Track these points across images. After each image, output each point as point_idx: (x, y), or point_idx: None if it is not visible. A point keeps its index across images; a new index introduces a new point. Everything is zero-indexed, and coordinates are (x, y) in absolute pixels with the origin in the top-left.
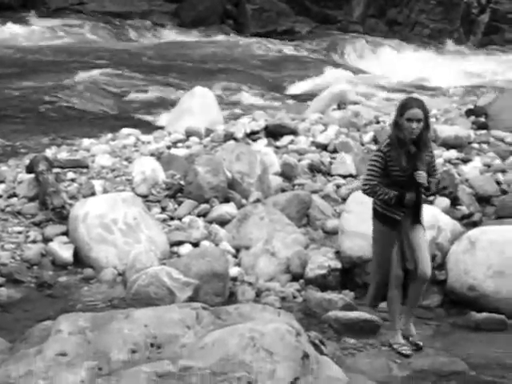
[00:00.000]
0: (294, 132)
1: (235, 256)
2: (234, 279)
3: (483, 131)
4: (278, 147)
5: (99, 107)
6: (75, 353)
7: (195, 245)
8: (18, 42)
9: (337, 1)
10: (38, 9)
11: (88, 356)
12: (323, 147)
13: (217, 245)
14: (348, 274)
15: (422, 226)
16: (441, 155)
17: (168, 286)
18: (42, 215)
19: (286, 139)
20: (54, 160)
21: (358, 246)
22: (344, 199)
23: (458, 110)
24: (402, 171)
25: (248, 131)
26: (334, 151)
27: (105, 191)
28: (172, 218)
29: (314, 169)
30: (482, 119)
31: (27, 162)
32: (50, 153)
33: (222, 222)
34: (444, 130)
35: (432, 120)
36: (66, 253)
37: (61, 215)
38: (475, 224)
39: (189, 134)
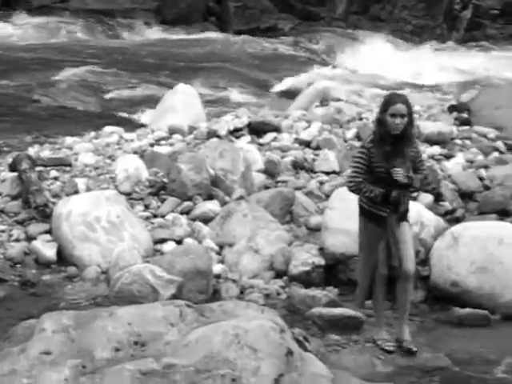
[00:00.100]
0: (277, 129)
1: (219, 253)
2: (218, 276)
3: (466, 127)
4: (261, 144)
5: (82, 105)
6: (59, 351)
7: (178, 242)
8: (0, 40)
9: None
10: (21, 7)
11: (72, 354)
12: (306, 144)
13: (200, 242)
14: (332, 271)
15: (408, 223)
16: (424, 151)
17: (151, 284)
18: (25, 213)
19: (269, 136)
20: (37, 158)
21: (341, 243)
22: (327, 196)
23: (440, 106)
24: (384, 168)
25: (231, 128)
26: (317, 148)
27: (88, 189)
28: (155, 216)
29: (297, 166)
30: (465, 115)
31: (10, 160)
32: (32, 151)
33: (206, 220)
34: (427, 126)
35: (415, 116)
36: (49, 251)
37: (44, 213)
38: (458, 220)
39: (172, 131)
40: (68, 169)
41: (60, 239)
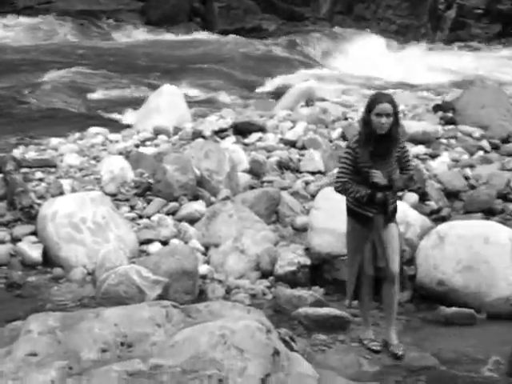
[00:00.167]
0: (262, 129)
1: (205, 254)
2: (204, 277)
3: (451, 126)
4: (246, 144)
5: (67, 106)
6: (45, 353)
7: (164, 243)
8: None
9: None
10: (6, 8)
11: (58, 356)
12: (292, 144)
13: (186, 243)
14: (317, 271)
15: (395, 223)
16: (409, 151)
17: (138, 285)
18: (10, 215)
19: (254, 136)
20: (22, 160)
21: (326, 243)
22: (313, 196)
23: (425, 106)
24: (370, 168)
25: (216, 129)
26: (303, 148)
27: (73, 190)
28: (141, 217)
29: (282, 166)
30: (450, 114)
31: None
32: (17, 152)
33: (191, 220)
34: (412, 126)
35: (400, 116)
36: (34, 252)
37: (29, 215)
38: (444, 219)
39: (157, 132)
40: (53, 170)
41: (46, 240)
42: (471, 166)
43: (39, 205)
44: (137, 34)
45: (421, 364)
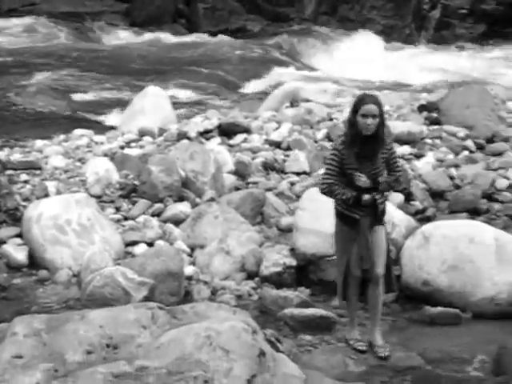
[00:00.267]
0: (247, 130)
1: (190, 255)
2: (190, 278)
3: (436, 126)
4: (231, 146)
5: (52, 108)
6: (31, 355)
7: (150, 244)
8: None
9: None
10: None
11: (44, 358)
12: (277, 145)
13: (171, 244)
14: (303, 271)
15: (382, 225)
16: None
17: (123, 287)
18: None
19: (239, 137)
20: (7, 162)
21: (312, 243)
22: (298, 196)
23: (410, 106)
24: (356, 169)
25: (201, 130)
26: (288, 149)
27: (58, 192)
28: (126, 218)
29: (267, 167)
30: (435, 114)
31: None
32: (2, 155)
33: (177, 222)
34: (397, 126)
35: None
36: (20, 255)
37: (14, 217)
38: (429, 219)
39: (142, 133)
40: (38, 172)
41: (31, 242)
42: (456, 166)
43: (24, 207)
44: (121, 36)
45: (406, 364)
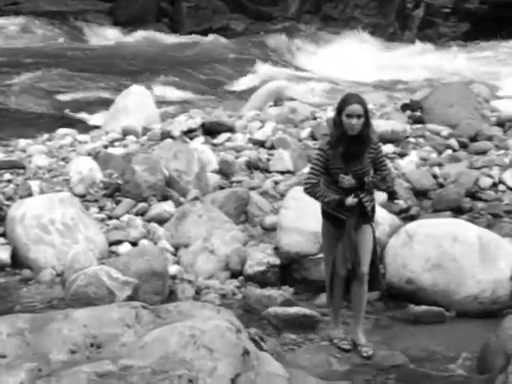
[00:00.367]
0: (231, 129)
1: (174, 254)
2: (174, 277)
3: (419, 125)
4: (215, 145)
5: (36, 108)
6: (14, 354)
7: (134, 244)
8: None
9: None
10: None
11: (27, 357)
12: (260, 144)
13: (155, 243)
14: (287, 270)
15: (369, 225)
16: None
17: (107, 286)
18: None
19: (223, 137)
20: None
21: (295, 242)
22: (282, 195)
23: (393, 105)
24: (341, 169)
25: (185, 129)
26: (272, 148)
27: (42, 192)
28: (110, 218)
29: (251, 166)
30: (418, 113)
31: None
32: None
33: (161, 221)
34: (380, 125)
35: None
36: (3, 254)
37: None
38: (413, 218)
39: (126, 132)
40: (21, 171)
41: (14, 242)
42: (439, 165)
43: (8, 206)
44: (104, 35)
45: (390, 362)
